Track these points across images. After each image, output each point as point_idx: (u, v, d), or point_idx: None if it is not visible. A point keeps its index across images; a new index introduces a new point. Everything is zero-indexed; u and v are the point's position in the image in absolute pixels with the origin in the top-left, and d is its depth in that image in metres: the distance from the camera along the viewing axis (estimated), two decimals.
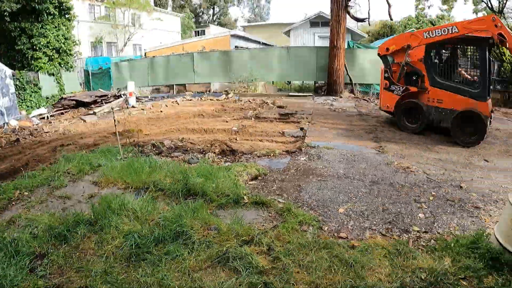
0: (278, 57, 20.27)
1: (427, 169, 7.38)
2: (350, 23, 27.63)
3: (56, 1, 21.27)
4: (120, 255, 4.25)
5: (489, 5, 34.23)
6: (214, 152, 8.95)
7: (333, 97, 17.44)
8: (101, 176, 7.03)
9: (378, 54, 11.49)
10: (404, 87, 10.79)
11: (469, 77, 10.18)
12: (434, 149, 9.08)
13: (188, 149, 9.56)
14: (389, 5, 17.55)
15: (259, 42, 33.61)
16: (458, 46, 10.38)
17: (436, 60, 10.58)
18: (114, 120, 9.74)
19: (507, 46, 9.36)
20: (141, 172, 6.87)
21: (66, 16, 22.68)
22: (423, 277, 3.74)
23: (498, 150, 9.21)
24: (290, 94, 19.03)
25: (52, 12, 21.11)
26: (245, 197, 5.79)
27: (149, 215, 5.12)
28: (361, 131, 10.81)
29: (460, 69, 10.45)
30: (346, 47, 18.70)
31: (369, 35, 32.98)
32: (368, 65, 18.15)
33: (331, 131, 10.70)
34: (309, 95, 18.48)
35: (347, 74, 18.12)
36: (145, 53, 31.71)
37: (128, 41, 33.43)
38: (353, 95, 18.00)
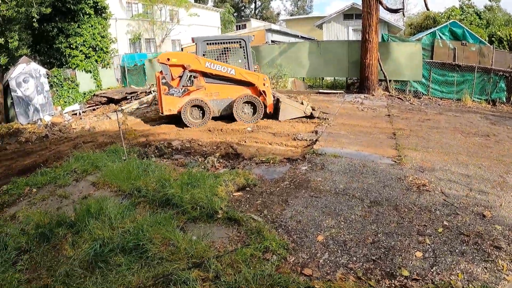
0: (308, 52, 19.14)
1: (448, 188, 6.14)
2: (387, 15, 26.02)
3: (92, 1, 21.96)
4: (83, 260, 4.28)
5: None
6: (216, 156, 8.45)
7: (365, 95, 16.15)
8: (100, 177, 7.09)
9: (158, 60, 11.97)
10: (183, 89, 11.78)
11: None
12: (464, 160, 7.75)
13: (193, 151, 9.27)
14: None
15: (297, 36, 32.50)
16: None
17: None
18: (118, 121, 9.59)
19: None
20: (132, 176, 6.76)
21: (102, 15, 23.42)
22: None
23: None
24: (320, 91, 17.88)
25: (87, 12, 21.86)
26: (219, 211, 5.24)
27: (121, 223, 4.99)
28: (383, 135, 9.65)
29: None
30: (380, 40, 17.29)
31: (411, 28, 30.82)
32: (404, 60, 16.68)
33: (349, 135, 9.65)
34: (340, 93, 17.28)
35: (381, 70, 16.65)
36: (181, 48, 31.64)
37: (166, 37, 33.43)
38: (387, 93, 16.59)
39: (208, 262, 3.98)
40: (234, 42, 12.45)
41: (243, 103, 11.99)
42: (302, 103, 12.36)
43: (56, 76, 20.67)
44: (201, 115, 12.00)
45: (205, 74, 11.89)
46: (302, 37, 32.47)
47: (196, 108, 11.99)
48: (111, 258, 4.26)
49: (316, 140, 9.11)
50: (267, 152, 8.55)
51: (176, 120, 12.25)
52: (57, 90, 20.73)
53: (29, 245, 4.79)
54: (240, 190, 6.26)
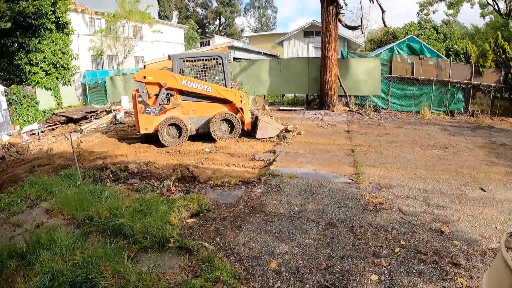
0: (269, 69, 19.25)
1: (405, 205, 6.07)
2: (346, 32, 26.49)
3: (54, 17, 21.38)
4: None
5: (496, 8, 32.79)
6: (171, 180, 8.17)
7: (325, 111, 16.30)
8: (54, 204, 6.84)
9: (134, 78, 11.77)
10: (160, 107, 11.69)
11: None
12: (422, 175, 7.76)
13: (149, 174, 8.96)
14: (383, 11, 16.20)
15: (260, 53, 32.67)
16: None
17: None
18: (72, 146, 9.51)
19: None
20: (85, 204, 6.49)
21: (64, 30, 22.93)
22: None
23: (504, 171, 7.91)
24: (281, 108, 17.95)
25: (49, 27, 21.37)
26: (171, 240, 5.01)
27: (71, 254, 4.76)
28: (342, 152, 9.61)
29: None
30: (339, 57, 17.57)
31: (371, 43, 31.58)
32: (363, 75, 17.01)
33: (307, 154, 9.54)
34: (300, 109, 17.39)
35: (341, 85, 16.89)
36: (144, 66, 31.21)
37: (128, 54, 32.95)
38: (347, 108, 16.81)
39: None
40: (211, 59, 12.44)
41: (220, 120, 11.90)
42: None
43: (15, 93, 19.90)
44: (178, 134, 11.84)
45: (182, 92, 11.81)
46: (265, 54, 32.68)
47: (173, 126, 11.81)
48: None
49: (274, 160, 8.96)
50: (224, 174, 8.35)
51: (148, 139, 12.11)
52: (16, 108, 19.91)
53: None
54: (193, 216, 6.00)
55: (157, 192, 7.44)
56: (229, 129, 11.98)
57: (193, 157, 10.10)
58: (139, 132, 12.09)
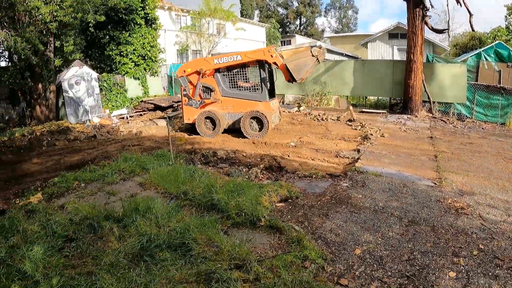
0: (353, 71, 19.37)
1: (486, 213, 6.23)
2: (431, 35, 25.73)
3: (143, 12, 22.87)
4: (129, 253, 4.57)
5: None
6: (260, 168, 8.80)
7: (408, 116, 16.20)
8: (147, 179, 7.47)
9: (176, 76, 12.64)
10: (200, 101, 12.90)
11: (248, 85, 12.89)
12: (505, 186, 7.71)
13: (237, 161, 9.63)
14: (470, 14, 15.58)
15: (342, 54, 32.66)
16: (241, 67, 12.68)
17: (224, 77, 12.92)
18: (167, 128, 10.21)
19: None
20: (179, 180, 7.10)
21: (152, 26, 24.28)
22: None
23: None
24: (363, 110, 18.06)
25: (138, 22, 22.82)
26: (262, 219, 5.53)
27: (167, 222, 5.30)
28: (425, 157, 9.76)
29: (239, 81, 12.98)
30: (424, 61, 17.29)
31: (456, 48, 30.32)
32: (448, 81, 16.59)
33: (391, 155, 9.82)
34: (382, 112, 17.38)
35: (425, 91, 16.63)
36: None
37: (212, 50, 34.37)
38: (430, 115, 16.53)
39: (250, 265, 4.23)
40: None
41: (251, 118, 12.53)
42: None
43: (106, 81, 21.62)
44: (213, 127, 12.92)
45: (218, 70, 12.72)
46: (347, 55, 32.64)
47: (209, 120, 12.95)
48: (157, 253, 4.53)
49: (358, 158, 9.34)
50: (310, 167, 8.84)
51: (192, 129, 13.40)
52: (106, 94, 21.65)
53: (76, 234, 5.10)
54: (282, 201, 6.55)
55: (246, 177, 7.95)
56: (259, 127, 12.52)
57: (279, 150, 10.67)
58: (183, 122, 13.72)
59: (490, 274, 4.38)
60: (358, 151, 10.15)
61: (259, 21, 52.61)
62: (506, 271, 4.44)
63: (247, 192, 6.43)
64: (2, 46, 16.42)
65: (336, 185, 7.40)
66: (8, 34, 14.12)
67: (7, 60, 18.02)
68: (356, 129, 13.18)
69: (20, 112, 18.73)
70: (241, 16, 45.44)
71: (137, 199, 6.03)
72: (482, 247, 5.01)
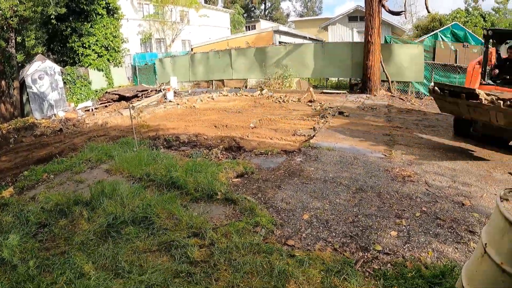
0: (313, 54, 19.66)
1: (432, 179, 6.50)
2: (391, 18, 26.31)
3: (104, 2, 22.68)
4: (98, 231, 4.86)
5: None
6: (219, 148, 9.01)
7: (367, 95, 16.58)
8: (113, 165, 7.74)
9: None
10: None
11: None
12: (453, 156, 8.05)
13: (198, 144, 9.83)
14: None
15: (305, 38, 32.91)
16: None
17: None
18: (131, 116, 10.36)
19: None
20: (143, 164, 7.44)
21: (114, 15, 24.16)
22: None
23: None
24: (324, 91, 18.36)
25: (100, 12, 22.60)
26: (219, 193, 5.85)
27: (131, 201, 5.60)
28: (379, 131, 10.09)
29: None
30: (383, 42, 17.69)
31: (417, 30, 31.11)
32: (406, 61, 17.03)
33: (346, 132, 10.09)
34: (343, 93, 17.72)
35: (384, 71, 17.05)
36: (191, 49, 32.28)
37: (176, 37, 34.13)
38: (389, 93, 16.99)
39: (205, 233, 4.57)
40: None
41: None
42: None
43: (69, 74, 21.50)
44: None
45: None
46: (310, 39, 32.87)
47: None
48: (122, 229, 4.85)
49: (313, 136, 9.57)
50: (267, 145, 9.03)
51: None
52: (70, 87, 21.58)
53: (48, 220, 5.37)
54: (238, 177, 6.82)
55: (206, 158, 8.20)
56: None
57: (239, 131, 10.83)
58: None
59: (431, 233, 4.62)
60: (314, 129, 10.37)
61: (223, 7, 52.33)
62: (447, 230, 4.68)
63: (205, 170, 6.73)
64: None
65: (290, 160, 7.62)
66: None
67: None
68: (315, 109, 13.41)
69: None
70: (204, 3, 45.04)
71: (103, 184, 6.32)
72: (425, 210, 5.27)
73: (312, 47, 20.09)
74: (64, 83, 20.80)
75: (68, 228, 5.13)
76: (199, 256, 4.16)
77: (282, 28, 32.64)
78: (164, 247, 4.40)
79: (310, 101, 14.58)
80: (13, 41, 17.56)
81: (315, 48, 19.80)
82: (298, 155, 7.89)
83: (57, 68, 20.00)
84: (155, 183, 6.45)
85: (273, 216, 5.12)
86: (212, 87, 23.76)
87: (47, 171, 8.05)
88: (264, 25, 45.84)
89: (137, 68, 26.60)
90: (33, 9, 16.00)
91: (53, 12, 16.98)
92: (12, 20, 15.67)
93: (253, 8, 72.30)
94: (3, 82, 17.60)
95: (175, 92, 20.83)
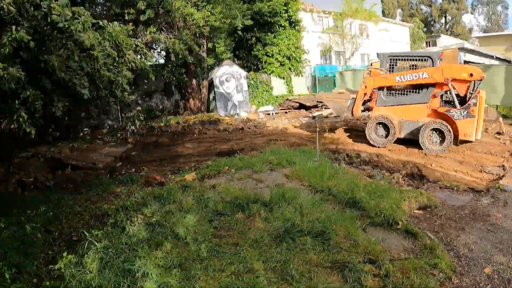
0: (504, 77, 17.65)
1: None
2: None
3: (286, 15, 24.45)
4: (273, 233, 5.13)
5: None
6: (401, 173, 9.09)
7: None
8: (293, 172, 8.03)
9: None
10: None
11: None
12: None
13: (379, 165, 9.93)
14: None
15: (492, 57, 29.97)
16: None
17: None
18: (316, 127, 10.96)
19: None
20: (325, 177, 7.58)
21: (296, 27, 25.72)
22: None
23: None
24: None
25: (283, 24, 24.43)
26: (399, 223, 5.82)
27: (310, 212, 5.82)
28: None
29: None
30: None
31: None
32: None
33: None
34: None
35: None
36: (371, 63, 32.24)
37: (355, 51, 34.53)
38: None
39: (382, 262, 4.47)
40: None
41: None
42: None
43: (253, 79, 23.60)
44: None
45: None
46: (498, 58, 29.82)
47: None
48: (298, 238, 4.94)
49: (503, 176, 8.96)
50: (451, 179, 8.77)
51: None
52: (252, 91, 23.62)
53: (225, 210, 5.79)
54: (421, 209, 6.80)
55: (387, 181, 8.18)
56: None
57: (421, 158, 10.65)
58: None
59: None
60: (504, 168, 9.82)
61: (401, 21, 50.87)
62: None
63: (387, 195, 6.78)
64: (159, 46, 19.04)
65: (477, 200, 7.31)
66: (167, 37, 16.55)
67: (164, 58, 20.94)
68: (504, 143, 12.48)
69: (173, 103, 21.73)
70: (382, 16, 44.51)
71: (283, 188, 6.68)
72: None
73: (504, 69, 18.14)
74: (248, 86, 22.92)
75: (244, 222, 5.42)
76: (372, 285, 4.09)
77: (467, 45, 30.35)
78: (338, 266, 4.39)
79: (498, 133, 13.57)
80: (205, 46, 20.36)
81: (507, 70, 17.83)
82: (485, 197, 7.51)
83: (243, 73, 22.30)
84: (335, 198, 6.57)
85: (453, 261, 4.88)
86: None
87: (228, 164, 8.73)
88: (446, 41, 42.98)
89: (317, 79, 27.84)
90: (222, 21, 18.28)
91: (240, 24, 19.08)
92: (204, 29, 18.10)
93: (432, 22, 68.35)
94: (194, 81, 20.52)
95: None
